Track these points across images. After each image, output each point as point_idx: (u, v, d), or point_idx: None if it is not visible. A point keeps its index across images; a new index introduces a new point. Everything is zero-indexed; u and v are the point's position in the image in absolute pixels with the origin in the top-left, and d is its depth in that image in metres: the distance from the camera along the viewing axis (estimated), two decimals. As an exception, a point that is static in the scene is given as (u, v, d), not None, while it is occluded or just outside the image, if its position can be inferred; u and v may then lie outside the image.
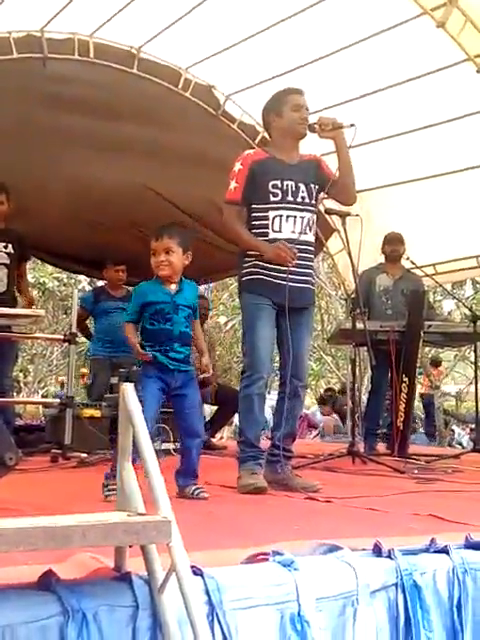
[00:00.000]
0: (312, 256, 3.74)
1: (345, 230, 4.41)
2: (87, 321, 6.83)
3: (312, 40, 6.12)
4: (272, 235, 3.58)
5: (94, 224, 6.46)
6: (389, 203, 7.21)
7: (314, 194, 3.69)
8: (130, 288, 6.65)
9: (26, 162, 5.95)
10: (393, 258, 6.06)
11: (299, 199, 3.63)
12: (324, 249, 8.10)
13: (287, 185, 3.61)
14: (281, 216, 3.59)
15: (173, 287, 3.26)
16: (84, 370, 14.56)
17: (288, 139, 3.73)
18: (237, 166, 3.65)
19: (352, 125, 3.60)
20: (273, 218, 3.59)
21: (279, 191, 3.60)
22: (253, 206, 3.64)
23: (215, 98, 6.99)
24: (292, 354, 3.53)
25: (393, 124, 6.70)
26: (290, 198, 3.61)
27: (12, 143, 5.85)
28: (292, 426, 3.69)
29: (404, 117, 6.60)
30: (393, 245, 6.04)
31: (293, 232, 3.58)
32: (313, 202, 3.69)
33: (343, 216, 4.47)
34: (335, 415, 11.09)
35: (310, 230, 3.67)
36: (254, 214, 3.64)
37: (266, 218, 3.59)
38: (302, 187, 3.65)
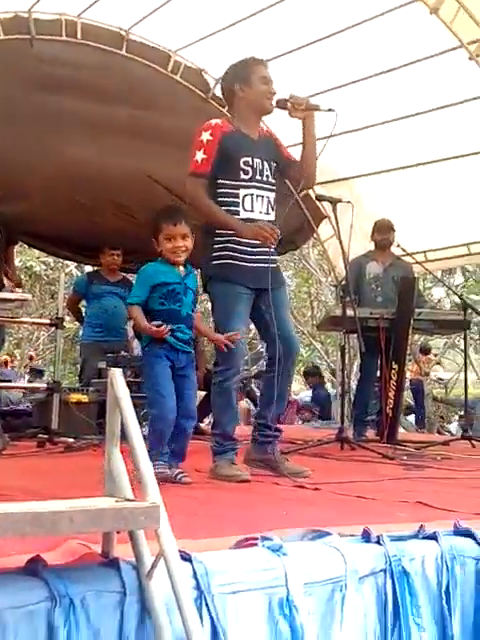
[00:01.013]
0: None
1: (336, 216, 4.39)
2: (79, 304, 6.81)
3: (303, 25, 6.09)
4: (243, 214, 3.41)
5: (81, 205, 6.42)
6: (379, 190, 7.21)
7: (274, 172, 3.54)
8: (124, 274, 6.65)
9: (12, 144, 5.91)
10: (383, 246, 6.05)
11: (264, 177, 3.49)
12: (314, 235, 8.10)
13: (256, 162, 3.46)
14: (252, 195, 3.43)
15: (182, 269, 3.23)
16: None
17: (254, 113, 3.56)
18: (205, 136, 3.42)
19: (331, 110, 3.41)
20: (243, 197, 3.42)
21: (250, 168, 3.44)
22: (220, 182, 3.43)
23: (205, 81, 6.95)
24: (282, 335, 3.41)
25: (384, 110, 6.67)
26: (258, 177, 3.46)
27: (-1, 125, 5.81)
28: (282, 406, 3.62)
29: (395, 104, 6.58)
30: (383, 233, 6.03)
31: (261, 212, 3.46)
32: (274, 181, 3.54)
33: (334, 202, 4.45)
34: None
35: (273, 210, 3.53)
36: (222, 190, 3.43)
37: (236, 196, 3.42)
38: (266, 165, 3.50)
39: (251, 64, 3.56)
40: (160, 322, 3.13)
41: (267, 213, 3.49)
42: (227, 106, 3.78)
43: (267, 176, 3.51)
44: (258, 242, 3.39)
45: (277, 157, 3.59)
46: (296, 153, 3.68)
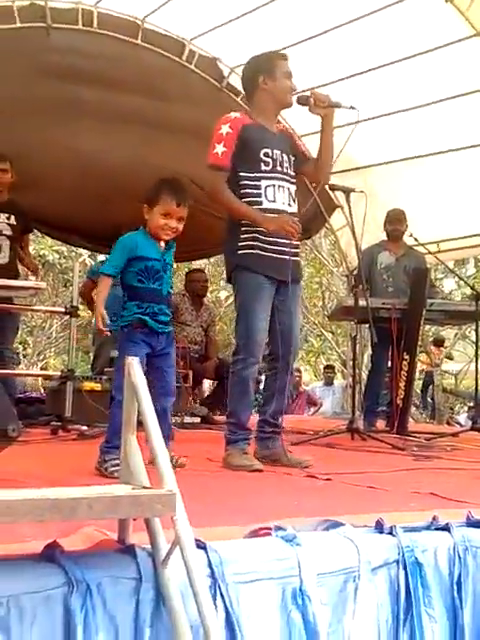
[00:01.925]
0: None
1: (349, 206, 4.38)
2: (93, 293, 6.83)
3: (318, 14, 6.05)
4: (266, 205, 3.44)
5: (94, 194, 6.44)
6: (393, 179, 7.18)
7: (293, 166, 3.58)
8: None
9: (27, 133, 5.92)
10: (394, 236, 6.04)
11: (285, 169, 3.52)
12: (326, 225, 8.08)
13: (276, 154, 3.50)
14: (274, 186, 3.46)
15: (162, 245, 3.13)
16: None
17: (274, 106, 3.60)
18: (225, 129, 3.45)
19: (353, 107, 3.48)
20: (265, 187, 3.45)
21: (270, 160, 3.48)
22: (241, 174, 3.46)
23: (219, 70, 6.93)
24: (284, 331, 3.48)
25: (398, 99, 6.64)
26: (279, 168, 3.50)
27: (14, 113, 5.83)
28: (284, 402, 3.64)
29: (410, 92, 6.54)
30: (394, 224, 6.02)
31: (284, 203, 3.49)
32: (293, 173, 3.58)
33: (347, 192, 4.44)
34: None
35: (294, 202, 3.56)
36: (243, 182, 3.46)
37: (258, 187, 3.45)
38: (285, 157, 3.54)
39: (275, 57, 3.60)
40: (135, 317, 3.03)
41: (289, 205, 3.52)
42: (246, 97, 3.78)
43: (287, 168, 3.55)
44: (289, 236, 3.42)
45: (294, 152, 3.63)
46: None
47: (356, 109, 3.47)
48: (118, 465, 2.77)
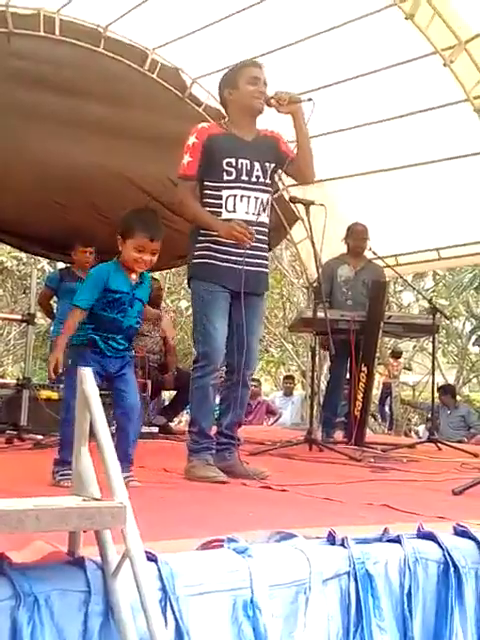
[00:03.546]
0: (267, 239, 3.59)
1: (309, 219, 4.40)
2: (51, 300, 6.77)
3: (279, 28, 6.09)
4: (225, 215, 3.43)
5: (53, 202, 6.39)
6: (353, 193, 7.24)
7: (269, 173, 3.54)
8: None
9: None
10: (356, 252, 6.08)
11: (253, 178, 3.48)
12: (287, 237, 8.12)
13: (242, 163, 3.46)
14: (235, 196, 3.44)
15: (134, 277, 3.10)
16: None
17: (244, 114, 3.57)
18: (191, 140, 3.48)
19: (310, 99, 3.46)
20: (226, 197, 3.44)
21: (233, 169, 3.45)
22: (206, 183, 3.48)
23: (182, 80, 6.94)
24: (243, 342, 3.44)
25: (359, 114, 6.71)
26: (244, 177, 3.46)
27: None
28: (240, 414, 3.64)
29: (369, 108, 6.62)
30: (356, 240, 6.05)
31: (247, 213, 3.45)
32: (268, 181, 3.54)
33: (307, 205, 4.46)
34: None
35: (264, 211, 3.51)
36: (206, 192, 3.48)
37: (219, 197, 3.45)
38: (257, 165, 3.50)
39: (240, 67, 3.59)
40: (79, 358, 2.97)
41: (256, 214, 3.48)
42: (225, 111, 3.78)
43: (257, 177, 3.50)
44: (239, 243, 3.38)
45: (276, 157, 3.57)
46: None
47: (312, 100, 3.45)
48: (66, 475, 2.74)
